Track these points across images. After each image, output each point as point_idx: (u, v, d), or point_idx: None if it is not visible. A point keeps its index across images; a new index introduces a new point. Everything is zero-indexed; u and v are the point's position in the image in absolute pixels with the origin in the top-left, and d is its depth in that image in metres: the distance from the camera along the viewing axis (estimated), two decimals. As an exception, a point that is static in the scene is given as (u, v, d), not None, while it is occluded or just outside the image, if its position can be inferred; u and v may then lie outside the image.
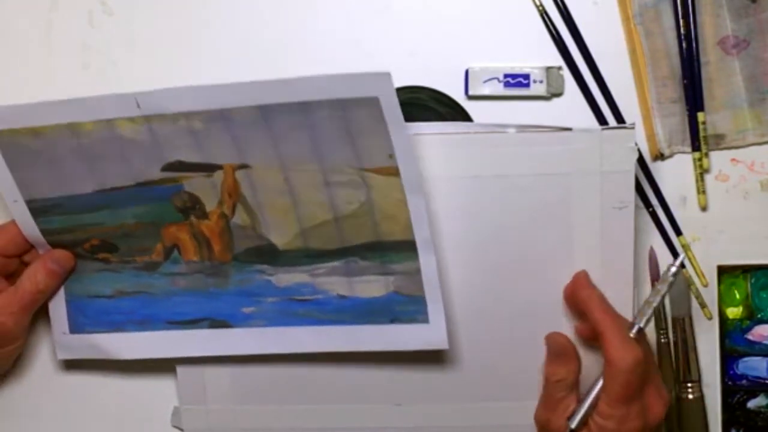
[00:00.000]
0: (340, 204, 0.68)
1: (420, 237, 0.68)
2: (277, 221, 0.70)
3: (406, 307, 0.70)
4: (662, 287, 0.68)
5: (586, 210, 0.71)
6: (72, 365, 0.78)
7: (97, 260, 0.73)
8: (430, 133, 0.71)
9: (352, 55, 0.76)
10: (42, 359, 0.79)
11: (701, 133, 0.74)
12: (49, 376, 0.79)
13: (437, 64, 0.76)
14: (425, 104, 0.75)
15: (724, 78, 0.74)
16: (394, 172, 0.66)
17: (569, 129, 0.70)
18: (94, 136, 0.68)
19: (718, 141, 0.75)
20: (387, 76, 0.63)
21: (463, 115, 0.75)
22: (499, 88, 0.75)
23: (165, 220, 0.71)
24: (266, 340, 0.73)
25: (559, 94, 0.75)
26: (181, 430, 0.78)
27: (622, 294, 0.72)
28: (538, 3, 0.75)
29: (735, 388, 0.75)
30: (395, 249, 0.69)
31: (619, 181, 0.70)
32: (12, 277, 0.73)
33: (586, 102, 0.75)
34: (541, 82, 0.75)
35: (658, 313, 0.75)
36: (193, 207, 0.70)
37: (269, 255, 0.71)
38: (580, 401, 0.68)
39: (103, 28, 0.77)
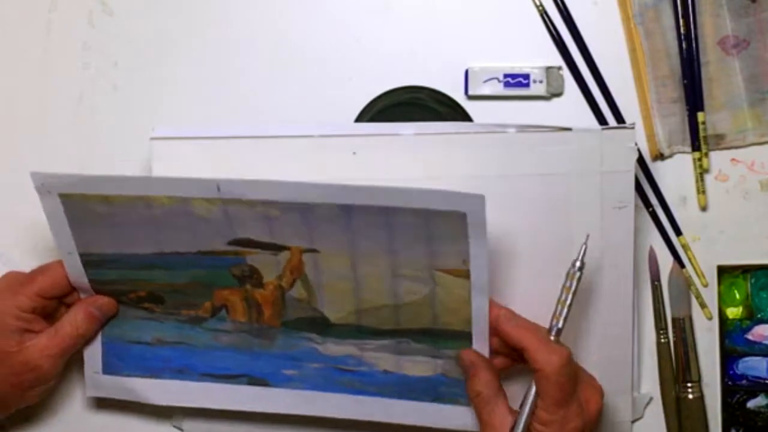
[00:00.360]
0: (403, 294, 0.68)
1: (477, 331, 0.68)
2: (334, 300, 0.70)
3: (451, 389, 0.70)
4: (570, 284, 0.66)
5: (586, 210, 0.71)
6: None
7: (141, 309, 0.72)
8: (430, 133, 0.71)
9: (352, 54, 0.76)
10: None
11: (701, 133, 0.74)
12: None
13: (437, 64, 0.76)
14: (425, 104, 0.75)
15: (724, 78, 0.74)
16: (465, 274, 0.66)
17: (569, 129, 0.70)
18: (166, 209, 0.67)
19: (718, 141, 0.75)
20: (480, 199, 0.62)
21: (463, 115, 0.75)
22: (499, 88, 0.75)
23: (219, 284, 0.71)
24: (304, 402, 0.73)
25: (559, 94, 0.75)
26: (181, 430, 0.78)
27: (622, 294, 0.72)
28: (538, 3, 0.75)
29: (735, 388, 0.75)
30: (450, 337, 0.69)
31: (619, 181, 0.70)
32: (50, 317, 0.72)
33: (586, 102, 0.75)
34: (541, 82, 0.75)
35: (658, 313, 0.75)
36: (250, 276, 0.70)
37: (320, 326, 0.71)
38: (516, 414, 0.66)
39: (103, 28, 0.77)
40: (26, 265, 0.75)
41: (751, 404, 0.75)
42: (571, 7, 0.75)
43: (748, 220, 0.75)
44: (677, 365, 0.75)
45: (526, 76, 0.75)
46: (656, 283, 0.75)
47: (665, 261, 0.75)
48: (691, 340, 0.75)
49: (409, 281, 0.67)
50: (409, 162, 0.71)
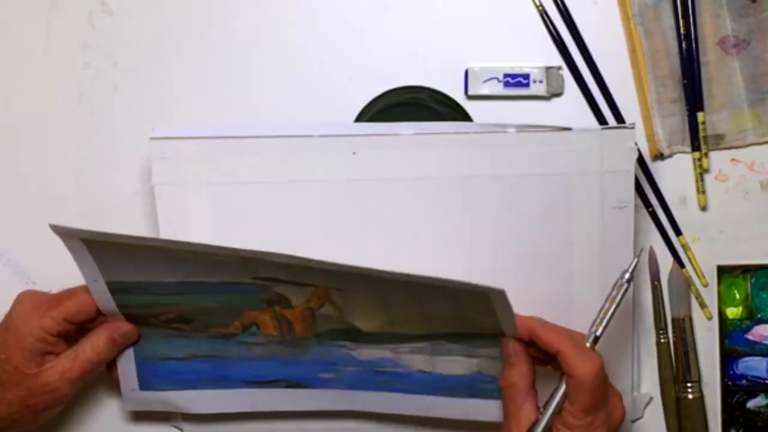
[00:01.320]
0: (434, 311, 0.68)
1: (508, 331, 0.67)
2: (364, 317, 0.69)
3: (488, 385, 0.71)
4: (616, 294, 0.66)
5: (586, 210, 0.71)
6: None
7: (170, 329, 0.72)
8: (430, 132, 0.71)
9: (352, 54, 0.76)
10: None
11: (701, 133, 0.74)
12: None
13: (437, 64, 0.76)
14: (425, 104, 0.75)
15: (724, 78, 0.74)
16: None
17: (569, 129, 0.70)
18: (188, 254, 0.66)
19: (718, 141, 0.75)
20: (502, 293, 0.63)
21: (463, 115, 0.75)
22: (498, 88, 0.75)
23: (248, 306, 0.70)
24: (343, 399, 0.73)
25: (559, 94, 0.75)
26: (181, 430, 0.78)
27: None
28: (538, 3, 0.75)
29: (735, 388, 0.75)
30: (483, 337, 0.69)
31: (619, 181, 0.70)
32: (70, 339, 0.71)
33: (586, 102, 0.75)
34: (541, 82, 0.75)
35: (658, 313, 0.75)
36: (278, 301, 0.69)
37: (353, 335, 0.70)
38: (541, 411, 0.66)
39: (103, 28, 0.77)
40: (28, 266, 0.75)
41: (751, 404, 0.75)
42: (571, 7, 0.75)
43: (748, 220, 0.75)
44: (677, 365, 0.75)
45: (526, 76, 0.75)
46: (656, 283, 0.75)
47: (665, 261, 0.75)
48: (691, 340, 0.75)
49: (440, 313, 0.68)
50: (409, 162, 0.71)
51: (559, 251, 0.71)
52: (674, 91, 0.75)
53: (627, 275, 0.66)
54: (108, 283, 0.68)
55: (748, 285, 0.75)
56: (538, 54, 0.76)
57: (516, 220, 0.71)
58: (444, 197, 0.71)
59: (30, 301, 0.70)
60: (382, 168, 0.71)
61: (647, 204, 0.76)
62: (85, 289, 0.69)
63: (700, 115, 0.74)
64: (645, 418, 0.76)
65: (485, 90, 0.75)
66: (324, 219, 0.71)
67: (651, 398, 0.76)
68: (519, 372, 0.66)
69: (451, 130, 0.71)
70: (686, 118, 0.75)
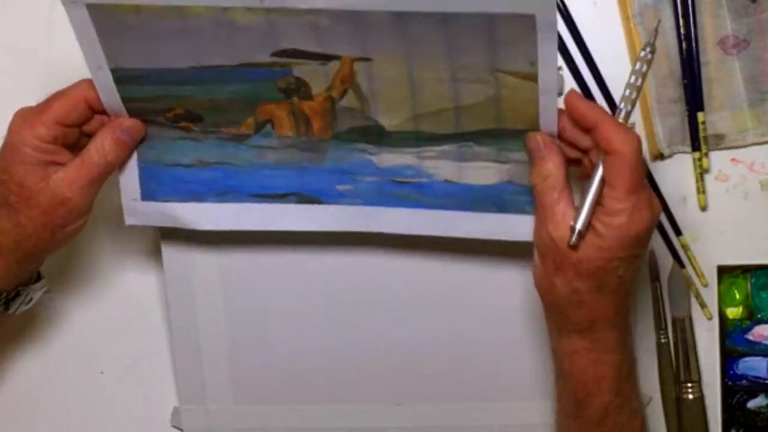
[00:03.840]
0: (464, 96, 0.63)
1: (546, 129, 0.63)
2: (389, 107, 0.64)
3: (517, 197, 0.66)
4: (641, 66, 0.62)
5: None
6: (73, 365, 0.78)
7: (178, 128, 0.67)
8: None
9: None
10: (41, 360, 0.79)
11: (701, 133, 0.74)
12: (53, 377, 0.79)
13: (437, 64, 0.76)
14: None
15: (724, 78, 0.74)
16: (532, 77, 0.61)
17: (569, 129, 0.70)
18: (203, 20, 0.61)
19: (718, 141, 0.75)
20: (552, 11, 0.57)
21: (463, 115, 0.75)
22: (499, 88, 0.75)
23: (263, 98, 0.65)
24: (358, 218, 0.68)
25: (559, 94, 0.75)
26: (181, 430, 0.78)
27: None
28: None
29: (735, 388, 0.75)
30: (516, 137, 0.64)
31: (619, 180, 0.70)
32: (74, 147, 0.67)
33: (586, 102, 0.75)
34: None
35: (658, 313, 0.75)
36: (297, 89, 0.64)
37: (374, 135, 0.65)
38: (578, 205, 0.61)
39: (103, 28, 0.77)
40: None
41: (751, 404, 0.75)
42: (571, 7, 0.75)
43: (748, 220, 0.75)
44: (677, 365, 0.75)
45: (526, 76, 0.75)
46: (656, 283, 0.75)
47: (665, 261, 0.75)
48: (691, 341, 0.75)
49: (470, 84, 0.62)
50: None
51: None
52: (674, 91, 0.75)
53: (649, 47, 0.62)
54: (113, 71, 0.64)
55: (748, 285, 0.75)
56: (538, 54, 0.76)
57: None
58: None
59: (21, 115, 0.66)
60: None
61: (647, 204, 0.75)
62: (74, 87, 0.66)
63: (700, 115, 0.74)
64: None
65: (485, 90, 0.75)
66: None
67: (651, 398, 0.76)
68: (552, 162, 0.62)
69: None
70: (686, 118, 0.75)
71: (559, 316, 0.64)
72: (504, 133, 0.64)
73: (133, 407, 0.79)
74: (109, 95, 0.65)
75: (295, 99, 0.65)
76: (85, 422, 0.79)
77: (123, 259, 0.78)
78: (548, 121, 0.62)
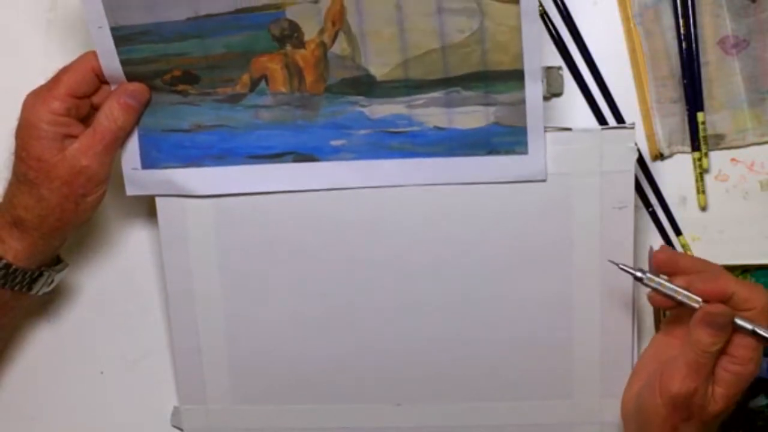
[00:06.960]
0: (451, 32, 0.66)
1: (529, 66, 0.65)
2: (379, 50, 0.67)
3: (505, 138, 0.69)
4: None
5: (586, 210, 0.71)
6: (73, 361, 0.78)
7: (175, 92, 0.70)
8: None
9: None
10: (38, 358, 0.79)
11: (701, 133, 0.74)
12: (53, 376, 0.79)
13: (437, 64, 0.76)
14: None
15: (724, 78, 0.74)
16: (514, 0, 0.64)
17: (569, 129, 0.70)
18: None
19: (718, 141, 0.75)
20: None
21: (463, 114, 0.75)
22: (499, 88, 0.75)
23: (257, 49, 0.68)
24: (354, 173, 0.70)
25: (559, 94, 0.75)
26: (181, 430, 0.78)
27: (622, 294, 0.72)
28: (538, 3, 0.75)
29: (735, 388, 0.75)
30: (501, 78, 0.67)
31: (619, 181, 0.70)
32: (85, 120, 0.70)
33: (586, 102, 0.75)
34: (541, 82, 0.75)
35: (658, 313, 0.75)
36: (291, 35, 0.66)
37: (365, 86, 0.68)
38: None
39: (103, 28, 0.77)
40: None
41: (751, 404, 0.75)
42: (571, 7, 0.75)
43: (748, 220, 0.75)
44: (677, 365, 0.75)
45: (526, 76, 0.75)
46: (656, 283, 0.75)
47: (665, 261, 0.75)
48: (691, 340, 0.75)
49: (456, 15, 0.65)
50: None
51: (559, 251, 0.71)
52: (674, 91, 0.75)
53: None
54: (113, 29, 0.67)
55: (748, 285, 0.75)
56: (538, 54, 0.76)
57: (516, 220, 0.71)
58: (444, 197, 0.71)
59: (32, 95, 0.70)
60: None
61: (647, 204, 0.75)
62: (80, 60, 0.69)
63: (700, 115, 0.74)
64: (645, 418, 0.76)
65: (485, 90, 0.75)
66: None
67: (651, 398, 0.76)
68: (724, 338, 0.63)
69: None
70: (686, 118, 0.75)
71: None
72: (490, 75, 0.66)
73: (133, 407, 0.79)
74: (109, 57, 0.68)
75: (289, 48, 0.67)
76: (85, 422, 0.79)
77: (123, 258, 0.78)
78: (532, 55, 0.64)
